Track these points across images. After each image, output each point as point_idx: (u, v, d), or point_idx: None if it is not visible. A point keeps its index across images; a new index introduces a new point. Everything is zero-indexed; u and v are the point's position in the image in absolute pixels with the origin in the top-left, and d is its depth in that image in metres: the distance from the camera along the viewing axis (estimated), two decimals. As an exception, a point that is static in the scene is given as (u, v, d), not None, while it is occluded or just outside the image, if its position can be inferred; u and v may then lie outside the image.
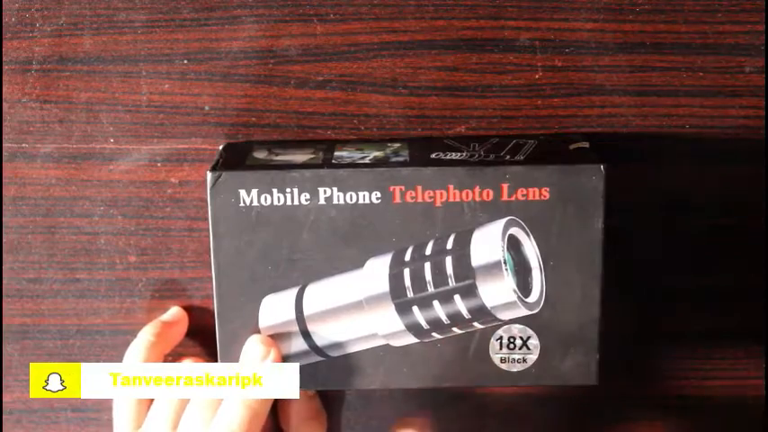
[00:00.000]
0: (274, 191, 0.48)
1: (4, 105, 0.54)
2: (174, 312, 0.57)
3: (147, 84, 0.54)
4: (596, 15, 0.52)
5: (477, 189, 0.48)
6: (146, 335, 0.55)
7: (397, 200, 0.48)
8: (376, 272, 0.49)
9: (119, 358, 0.56)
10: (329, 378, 0.51)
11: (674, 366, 0.58)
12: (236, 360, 0.50)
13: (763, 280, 0.56)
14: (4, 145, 0.55)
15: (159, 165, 0.55)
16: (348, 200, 0.48)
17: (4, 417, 0.59)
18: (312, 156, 0.51)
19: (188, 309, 0.57)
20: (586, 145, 0.51)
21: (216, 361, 0.51)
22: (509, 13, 0.53)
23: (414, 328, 0.49)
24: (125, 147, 0.55)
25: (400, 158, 0.50)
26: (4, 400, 0.59)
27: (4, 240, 0.56)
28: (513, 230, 0.48)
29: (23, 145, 0.55)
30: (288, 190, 0.48)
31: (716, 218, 0.55)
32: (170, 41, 0.53)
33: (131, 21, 0.53)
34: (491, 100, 0.54)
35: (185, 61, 0.53)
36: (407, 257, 0.49)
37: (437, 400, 0.59)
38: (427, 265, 0.49)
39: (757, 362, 0.58)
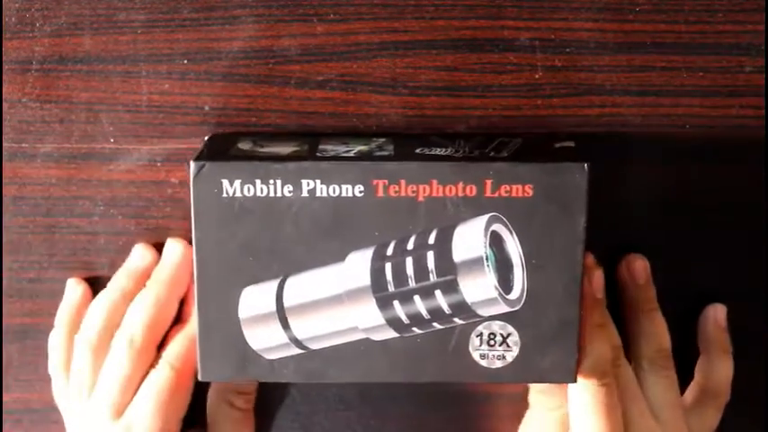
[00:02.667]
0: (257, 182, 0.48)
1: (4, 105, 0.54)
2: (139, 255, 0.56)
3: (147, 84, 0.54)
4: (596, 15, 0.52)
5: (461, 185, 0.48)
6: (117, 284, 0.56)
7: (380, 194, 0.48)
8: (357, 265, 0.49)
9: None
10: (308, 371, 0.51)
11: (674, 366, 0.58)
12: (216, 352, 0.50)
13: (763, 280, 0.56)
14: (4, 145, 0.55)
15: (159, 165, 0.55)
16: (331, 192, 0.48)
17: (4, 417, 0.59)
18: (297, 148, 0.50)
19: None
20: (572, 144, 0.51)
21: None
22: (509, 13, 0.53)
23: (394, 323, 0.49)
24: (125, 147, 0.55)
25: (384, 152, 0.50)
26: (4, 400, 0.59)
27: (4, 240, 0.56)
28: (496, 227, 0.48)
29: (23, 145, 0.55)
30: (271, 181, 0.48)
31: (716, 218, 0.55)
32: (170, 41, 0.53)
33: (131, 21, 0.53)
34: (491, 100, 0.54)
35: (185, 61, 0.53)
36: (389, 252, 0.49)
37: (439, 400, 0.59)
38: (409, 260, 0.49)
39: (757, 362, 0.58)
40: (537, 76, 0.53)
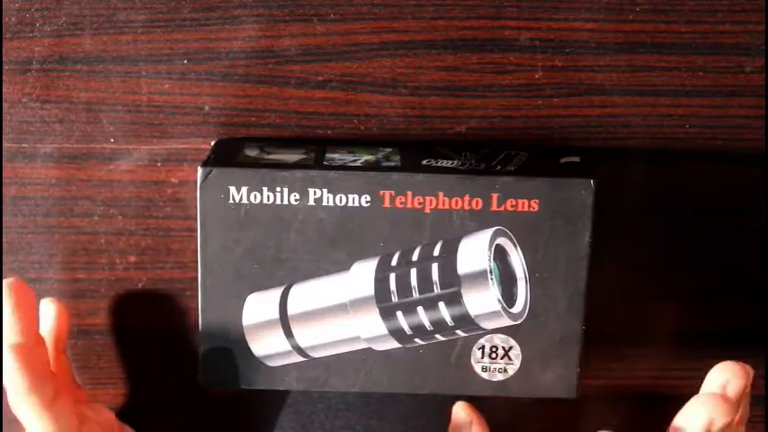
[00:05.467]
0: (264, 189, 0.48)
1: (4, 105, 0.54)
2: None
3: (147, 84, 0.54)
4: (596, 15, 0.52)
5: (467, 198, 0.48)
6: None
7: (387, 204, 0.48)
8: (362, 275, 0.49)
9: (119, 358, 0.56)
10: (310, 379, 0.51)
11: (674, 366, 0.58)
12: (219, 358, 0.50)
13: (763, 280, 0.56)
14: (4, 145, 0.55)
15: (159, 165, 0.55)
16: (337, 202, 0.48)
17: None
18: (303, 156, 0.51)
19: (187, 309, 0.57)
20: (577, 159, 0.51)
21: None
22: (509, 13, 0.53)
23: (397, 333, 0.50)
24: (125, 147, 0.55)
25: (391, 163, 0.50)
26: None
27: (4, 240, 0.56)
28: (501, 240, 0.48)
29: (23, 145, 0.55)
30: (278, 189, 0.48)
31: (716, 218, 0.55)
32: (170, 41, 0.53)
33: (131, 21, 0.53)
34: (491, 100, 0.54)
35: (185, 61, 0.53)
36: (394, 262, 0.49)
37: (439, 401, 0.59)
38: (413, 271, 0.49)
39: (757, 362, 0.58)
40: (537, 76, 0.53)
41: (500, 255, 0.48)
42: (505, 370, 0.50)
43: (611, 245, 0.55)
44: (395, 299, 0.49)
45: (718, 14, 0.52)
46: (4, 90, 0.54)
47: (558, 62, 0.53)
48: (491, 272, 0.48)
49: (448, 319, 0.49)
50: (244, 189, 0.48)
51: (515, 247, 0.48)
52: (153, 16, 0.53)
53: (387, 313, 0.49)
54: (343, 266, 0.49)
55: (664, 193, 0.55)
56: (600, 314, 0.56)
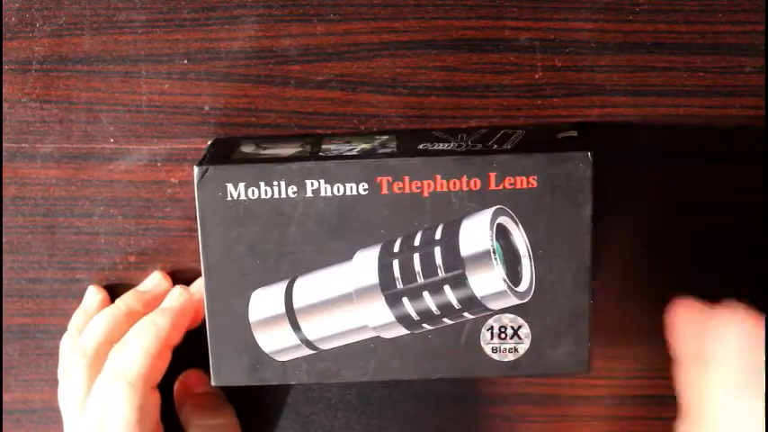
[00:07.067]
0: (261, 184, 0.48)
1: (4, 105, 0.54)
2: (155, 281, 0.56)
3: (147, 84, 0.54)
4: (596, 15, 0.52)
5: (465, 178, 0.48)
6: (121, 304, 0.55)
7: (385, 191, 0.48)
8: (365, 263, 0.49)
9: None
10: (321, 371, 0.51)
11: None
12: (228, 356, 0.50)
13: (763, 280, 0.56)
14: (4, 145, 0.55)
15: (159, 165, 0.55)
16: (335, 192, 0.48)
17: (4, 417, 0.59)
18: (299, 149, 0.51)
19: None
20: (575, 134, 0.51)
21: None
22: (509, 13, 0.53)
23: (404, 320, 0.49)
24: (125, 147, 0.55)
25: (387, 150, 0.50)
26: (4, 400, 0.59)
27: (4, 240, 0.56)
28: (502, 219, 0.48)
29: (23, 145, 0.55)
30: (275, 183, 0.48)
31: (716, 218, 0.55)
32: (170, 41, 0.53)
33: (131, 21, 0.53)
34: (491, 100, 0.54)
35: (185, 61, 0.53)
36: (396, 248, 0.49)
37: (439, 399, 0.59)
38: (416, 256, 0.49)
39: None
40: (537, 76, 0.53)
41: (502, 234, 0.48)
42: (516, 349, 0.50)
43: (611, 244, 0.55)
44: (400, 285, 0.49)
45: (717, 15, 0.52)
46: (4, 90, 0.54)
47: (558, 62, 0.53)
48: (494, 252, 0.48)
49: (454, 302, 0.49)
50: (241, 185, 0.48)
51: (517, 225, 0.48)
52: (153, 16, 0.53)
53: (393, 300, 0.49)
54: (346, 256, 0.49)
55: (664, 193, 0.55)
56: (599, 314, 0.56)
